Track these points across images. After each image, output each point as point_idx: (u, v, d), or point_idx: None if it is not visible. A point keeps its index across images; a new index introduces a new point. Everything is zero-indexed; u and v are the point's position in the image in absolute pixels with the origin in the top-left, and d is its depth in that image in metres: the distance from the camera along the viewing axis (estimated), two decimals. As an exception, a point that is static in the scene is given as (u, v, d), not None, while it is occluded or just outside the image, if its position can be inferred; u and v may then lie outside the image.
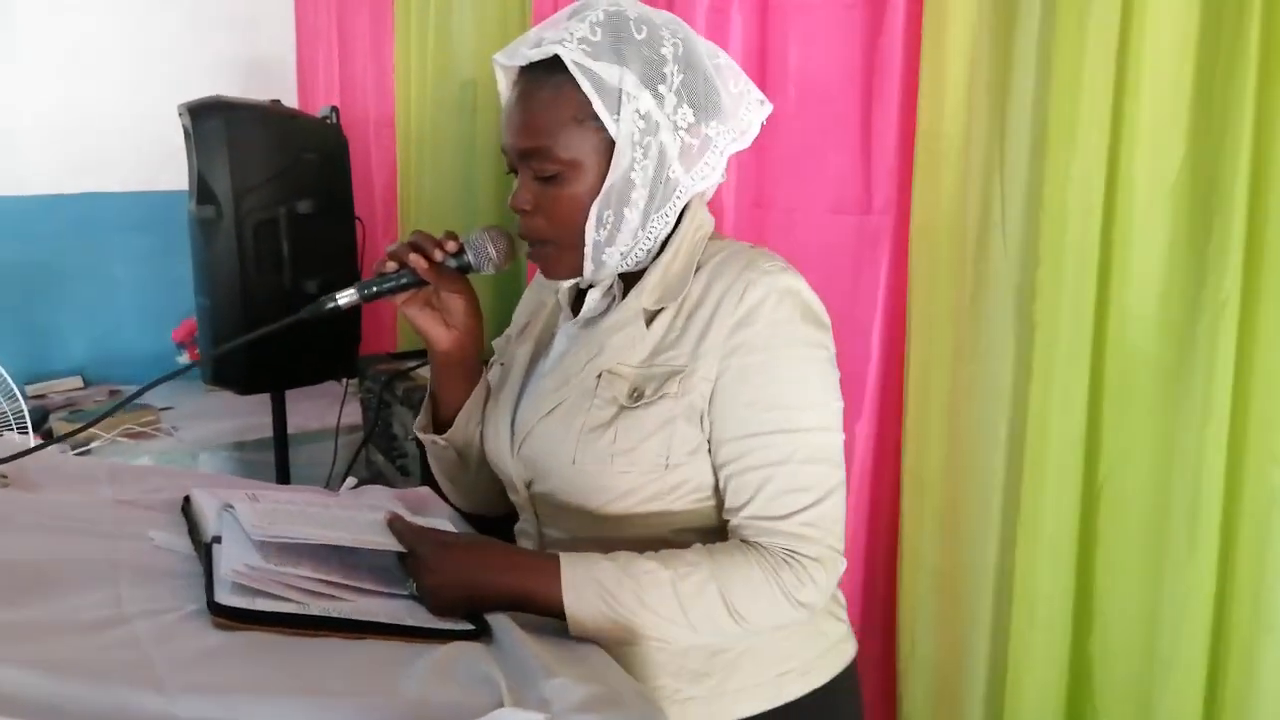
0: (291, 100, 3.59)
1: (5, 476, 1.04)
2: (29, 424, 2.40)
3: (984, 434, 1.36)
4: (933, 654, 1.47)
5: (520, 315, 1.25)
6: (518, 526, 1.19)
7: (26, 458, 1.09)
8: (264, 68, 3.63)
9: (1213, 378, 1.09)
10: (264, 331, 1.10)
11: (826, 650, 1.11)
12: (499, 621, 0.92)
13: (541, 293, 1.22)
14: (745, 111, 1.07)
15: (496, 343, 1.25)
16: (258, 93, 2.57)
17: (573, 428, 1.04)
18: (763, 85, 1.59)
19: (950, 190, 1.39)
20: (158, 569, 0.92)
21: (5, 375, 2.32)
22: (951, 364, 1.40)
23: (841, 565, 1.02)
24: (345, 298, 1.08)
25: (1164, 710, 1.17)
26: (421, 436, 1.22)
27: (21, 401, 2.35)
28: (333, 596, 0.89)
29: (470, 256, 1.11)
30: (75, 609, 0.81)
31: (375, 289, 1.09)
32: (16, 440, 1.12)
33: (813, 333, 1.03)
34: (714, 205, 1.61)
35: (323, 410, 2.80)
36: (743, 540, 1.01)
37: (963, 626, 1.41)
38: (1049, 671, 1.28)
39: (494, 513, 1.26)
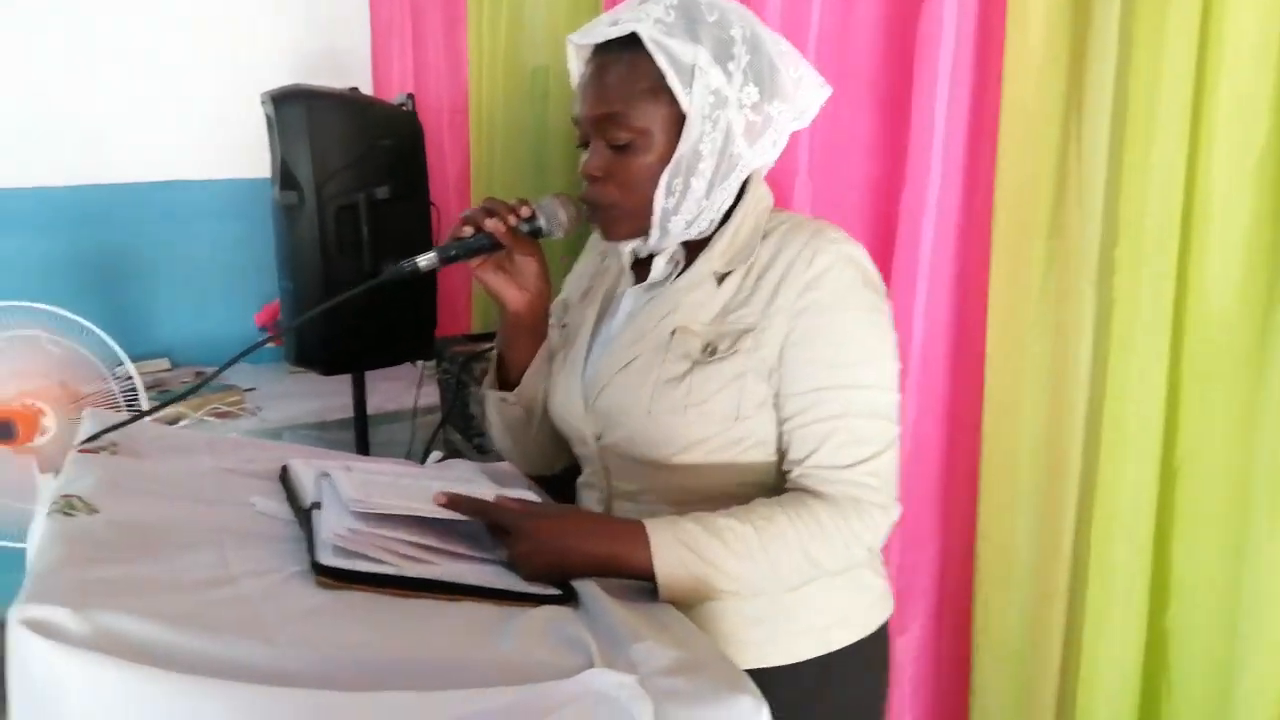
0: (367, 89, 3.65)
1: (115, 444, 1.09)
2: (142, 399, 2.49)
3: (1062, 411, 1.36)
4: (1007, 630, 1.47)
5: (577, 281, 1.33)
6: (581, 479, 1.26)
7: (131, 428, 1.15)
8: (340, 57, 3.69)
9: None
10: (347, 295, 1.16)
11: (871, 604, 1.20)
12: (585, 587, 0.94)
13: (601, 260, 1.29)
14: (805, 93, 1.14)
15: (553, 307, 1.31)
16: (334, 82, 2.62)
17: (648, 380, 1.11)
18: (836, 63, 1.59)
19: (1027, 166, 1.37)
20: (259, 533, 0.96)
21: (120, 352, 2.42)
22: (1031, 341, 1.39)
23: (897, 513, 1.09)
24: (425, 260, 1.14)
25: (1244, 687, 1.16)
26: (490, 394, 1.30)
27: (135, 378, 2.44)
28: (428, 561, 0.92)
29: (541, 221, 1.17)
30: (186, 567, 0.85)
31: (453, 252, 1.15)
32: (113, 413, 1.18)
33: (873, 298, 1.11)
34: (783, 179, 1.63)
35: (400, 392, 2.86)
36: (805, 489, 1.07)
37: (1037, 603, 1.41)
38: (1125, 647, 1.28)
39: (549, 471, 1.34)
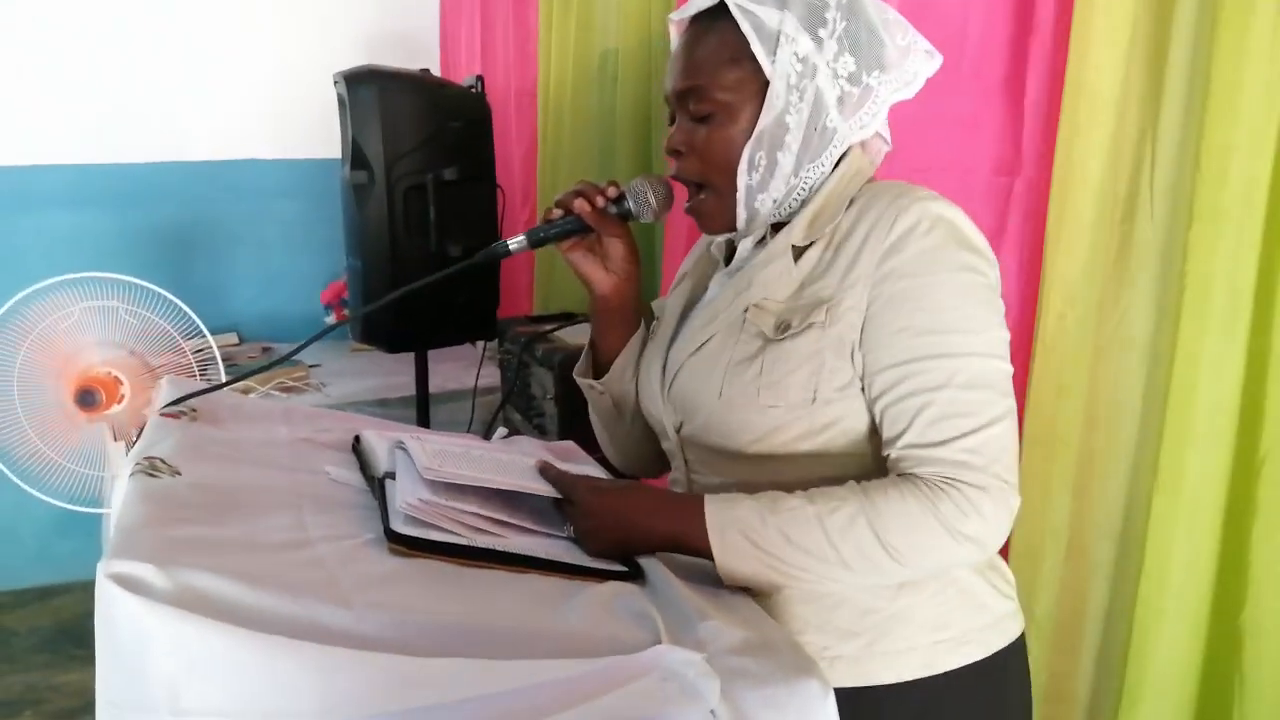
0: (435, 70, 3.69)
1: (195, 410, 1.12)
2: (220, 369, 2.56)
3: (1120, 394, 1.34)
4: (1052, 612, 1.45)
5: (681, 272, 1.27)
6: (670, 477, 1.20)
7: (209, 396, 1.17)
8: (409, 38, 3.74)
9: None
10: (441, 275, 1.18)
11: (988, 625, 1.05)
12: (652, 565, 0.94)
13: (699, 249, 1.25)
14: (912, 63, 1.06)
15: (654, 303, 1.27)
16: (405, 63, 2.65)
17: (720, 361, 1.05)
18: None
19: (1097, 149, 1.35)
20: (335, 499, 0.98)
21: (200, 324, 2.48)
22: (1093, 324, 1.37)
23: (1014, 499, 0.95)
24: (515, 244, 1.14)
25: None
26: (580, 381, 1.27)
27: (214, 349, 2.51)
28: (497, 534, 0.93)
29: (630, 203, 1.15)
30: (264, 530, 0.87)
31: (543, 234, 1.15)
32: (192, 381, 1.20)
33: (968, 257, 0.98)
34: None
35: (461, 371, 2.89)
36: (900, 474, 0.96)
37: (1085, 587, 1.40)
38: (1180, 640, 1.25)
39: (648, 474, 1.29)
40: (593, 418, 1.30)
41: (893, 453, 0.98)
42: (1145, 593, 1.27)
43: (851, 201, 1.04)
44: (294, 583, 0.77)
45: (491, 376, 2.71)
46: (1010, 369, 0.98)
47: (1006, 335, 1.00)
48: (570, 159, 2.87)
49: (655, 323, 1.24)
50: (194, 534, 0.81)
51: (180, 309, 2.48)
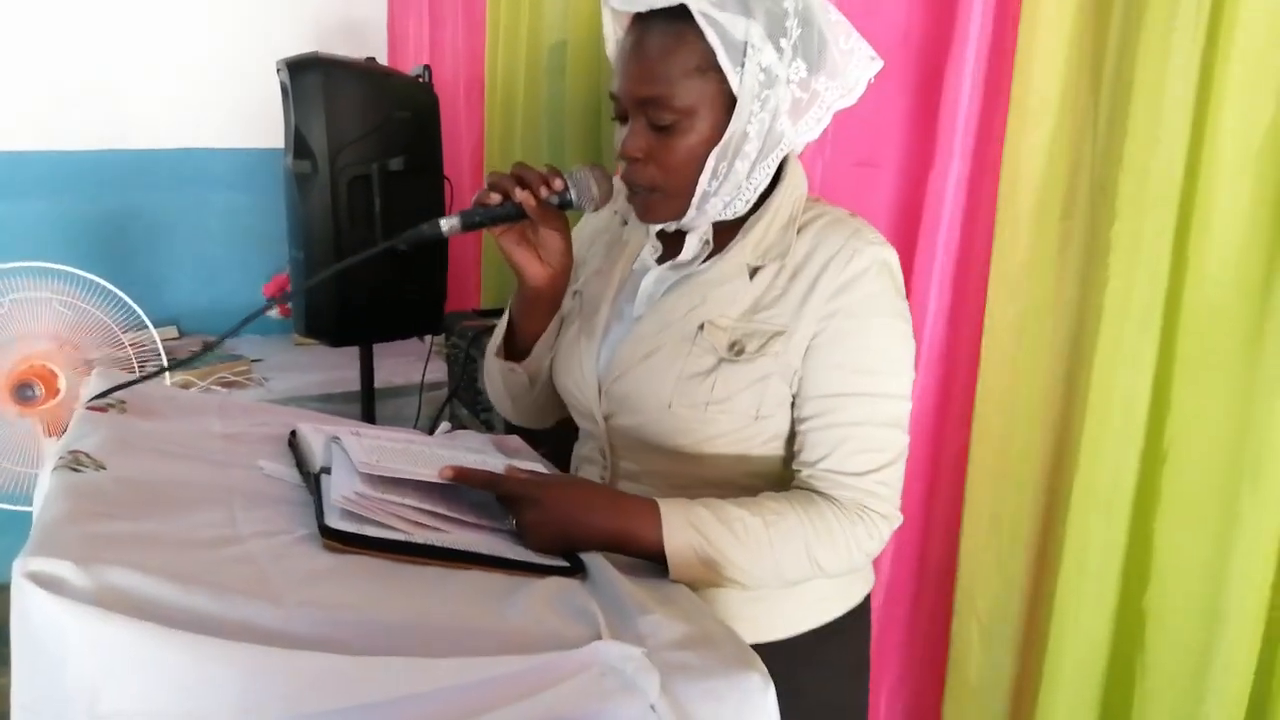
0: (383, 60, 3.63)
1: (124, 403, 1.08)
2: (162, 360, 2.49)
3: (1049, 384, 1.37)
4: (987, 599, 1.49)
5: (589, 242, 1.27)
6: (582, 453, 1.23)
7: (141, 387, 1.14)
8: (357, 27, 3.68)
9: None
10: (363, 256, 1.12)
11: (857, 578, 1.21)
12: (593, 560, 0.93)
13: (622, 225, 1.24)
14: (855, 68, 1.07)
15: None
16: (351, 52, 2.60)
17: (670, 373, 1.08)
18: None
19: (1042, 147, 1.37)
20: (268, 495, 0.96)
21: (140, 311, 2.42)
22: (1035, 320, 1.40)
23: (899, 522, 1.09)
24: (447, 224, 1.08)
25: (1217, 666, 1.17)
26: (499, 363, 1.26)
27: (157, 341, 2.44)
28: (436, 528, 0.92)
29: (572, 194, 1.11)
30: (194, 526, 0.84)
31: (477, 218, 1.10)
32: (124, 373, 1.16)
33: (902, 305, 1.09)
34: (806, 162, 1.62)
35: (407, 366, 2.86)
36: (814, 490, 1.06)
37: (1020, 573, 1.43)
38: (1097, 622, 1.30)
39: (540, 426, 1.34)
40: (494, 387, 1.30)
41: (809, 471, 1.07)
42: (1065, 580, 1.32)
43: (801, 228, 1.09)
44: (222, 580, 0.75)
45: (439, 371, 2.68)
46: (910, 406, 1.10)
47: (913, 376, 1.12)
48: (519, 151, 2.85)
49: (575, 298, 1.22)
50: (117, 530, 0.79)
51: (121, 300, 2.42)
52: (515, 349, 1.25)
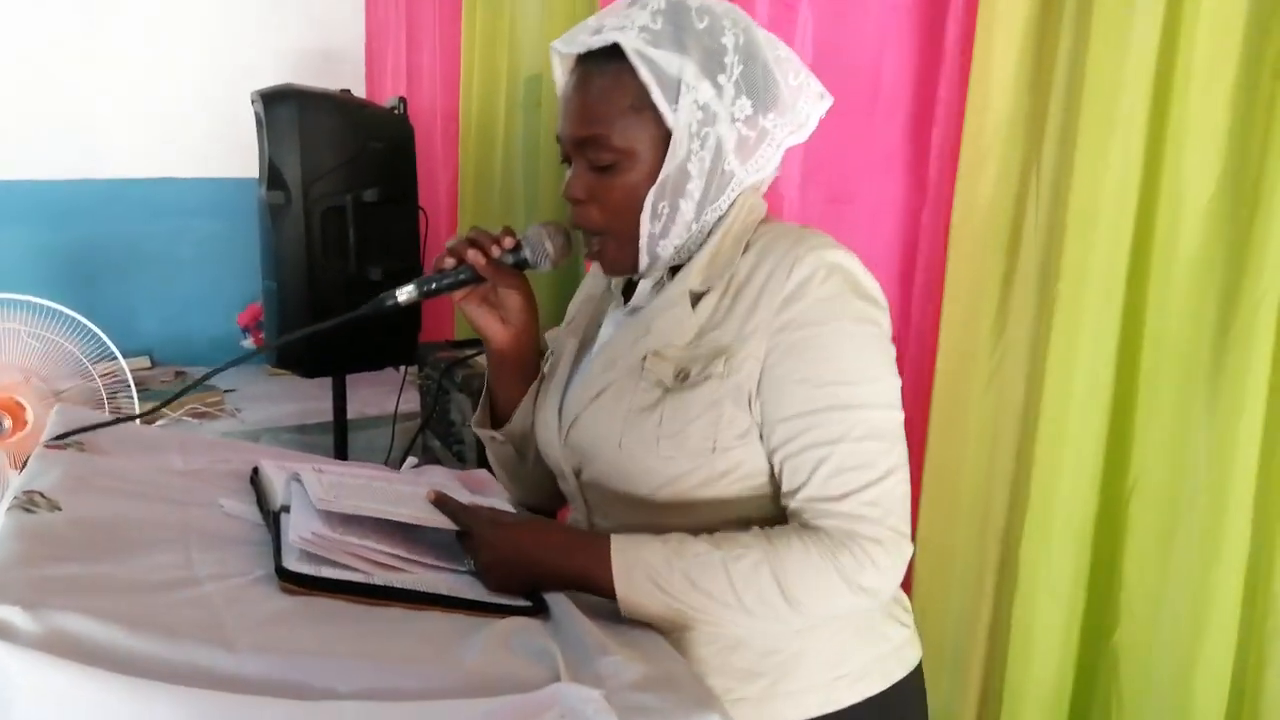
0: (360, 91, 3.65)
1: (82, 442, 1.07)
2: (134, 395, 2.47)
3: (1002, 422, 1.38)
4: (942, 634, 1.48)
5: (574, 308, 1.25)
6: (570, 518, 1.18)
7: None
8: (334, 59, 3.69)
9: (1247, 375, 1.08)
10: (325, 326, 1.13)
11: (887, 655, 1.06)
12: (556, 600, 0.93)
13: (593, 285, 1.22)
14: (804, 104, 1.05)
15: (549, 335, 1.24)
16: (327, 83, 2.62)
17: (619, 409, 1.03)
18: (827, 81, 1.59)
19: (991, 184, 1.38)
20: (227, 535, 0.95)
21: (115, 349, 2.39)
22: (982, 357, 1.41)
23: (907, 549, 0.97)
24: (404, 294, 1.08)
25: (1196, 706, 1.16)
26: (479, 433, 1.23)
27: (127, 374, 2.42)
28: (395, 568, 0.91)
29: (527, 252, 1.10)
30: (148, 569, 0.83)
31: (434, 285, 1.09)
32: (83, 410, 1.15)
33: (863, 307, 0.99)
34: (777, 197, 1.63)
35: (382, 396, 2.85)
36: (802, 524, 0.97)
37: (973, 609, 1.43)
38: (1051, 660, 1.30)
39: (553, 507, 1.26)
40: (492, 463, 1.26)
41: (792, 503, 0.98)
42: (1019, 614, 1.31)
43: (748, 246, 1.03)
44: (174, 624, 0.74)
45: (412, 402, 2.67)
46: (902, 415, 1.00)
47: (898, 382, 1.01)
48: (494, 182, 2.86)
49: (549, 358, 1.20)
50: (69, 573, 0.78)
51: (90, 331, 2.39)
52: (496, 419, 1.22)
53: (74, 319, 2.41)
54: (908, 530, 0.97)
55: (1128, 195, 1.19)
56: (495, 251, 1.09)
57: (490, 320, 1.14)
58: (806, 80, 1.05)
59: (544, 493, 1.24)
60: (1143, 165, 1.18)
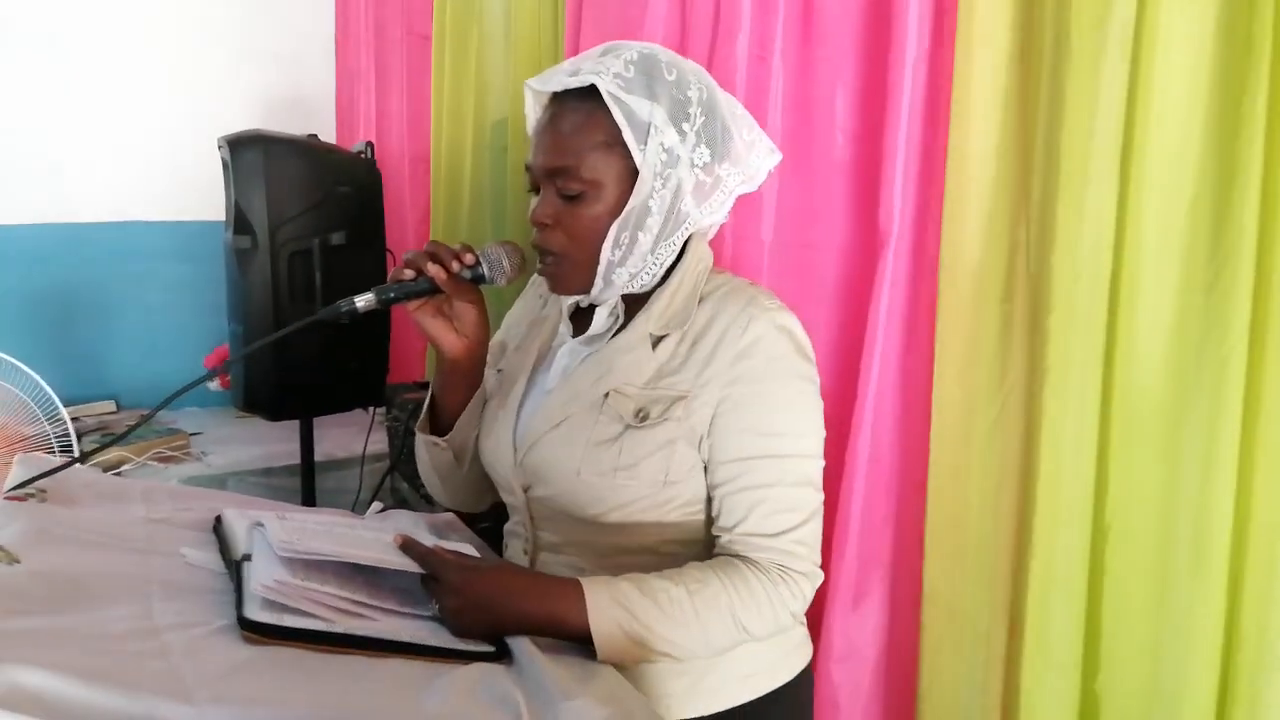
0: (330, 136, 3.66)
1: (44, 491, 1.07)
2: (74, 445, 2.44)
3: (1004, 474, 1.37)
4: (952, 692, 1.46)
5: (516, 324, 1.33)
6: (508, 526, 1.26)
7: (64, 473, 1.12)
8: (304, 103, 3.70)
9: (1218, 422, 1.10)
10: (284, 332, 1.17)
11: (790, 651, 1.21)
12: (518, 644, 0.94)
13: (542, 307, 1.30)
14: (755, 158, 1.16)
15: (491, 348, 1.29)
16: (297, 128, 2.62)
17: (579, 441, 1.11)
18: (795, 130, 1.62)
19: (978, 232, 1.39)
20: (189, 585, 0.95)
21: (54, 397, 2.37)
22: (982, 406, 1.40)
23: (820, 579, 1.11)
24: (363, 301, 1.13)
25: None
26: (424, 438, 1.29)
27: (68, 423, 2.39)
28: (358, 615, 0.91)
29: (484, 268, 1.16)
30: (107, 620, 0.83)
31: (393, 294, 1.14)
32: (46, 458, 1.15)
33: (805, 367, 1.12)
34: (748, 239, 1.64)
35: (350, 438, 2.83)
36: (734, 555, 1.08)
37: (983, 667, 1.40)
38: (1060, 710, 1.28)
39: (476, 510, 1.34)
40: (423, 465, 1.32)
41: (727, 536, 1.09)
42: (1029, 666, 1.29)
43: (703, 298, 1.14)
44: (134, 677, 0.74)
45: (380, 443, 2.66)
46: (823, 464, 1.13)
47: (824, 434, 1.14)
48: (464, 223, 2.87)
49: (497, 376, 1.27)
50: (27, 626, 0.78)
51: (37, 382, 2.36)
52: (439, 424, 1.28)
53: (13, 366, 2.37)
54: (820, 562, 1.12)
55: (1102, 249, 1.20)
56: (455, 266, 1.15)
57: (444, 330, 1.20)
58: (759, 137, 1.16)
59: (471, 499, 1.34)
60: (1115, 214, 1.19)
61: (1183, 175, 1.16)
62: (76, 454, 2.35)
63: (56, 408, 2.39)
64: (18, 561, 0.88)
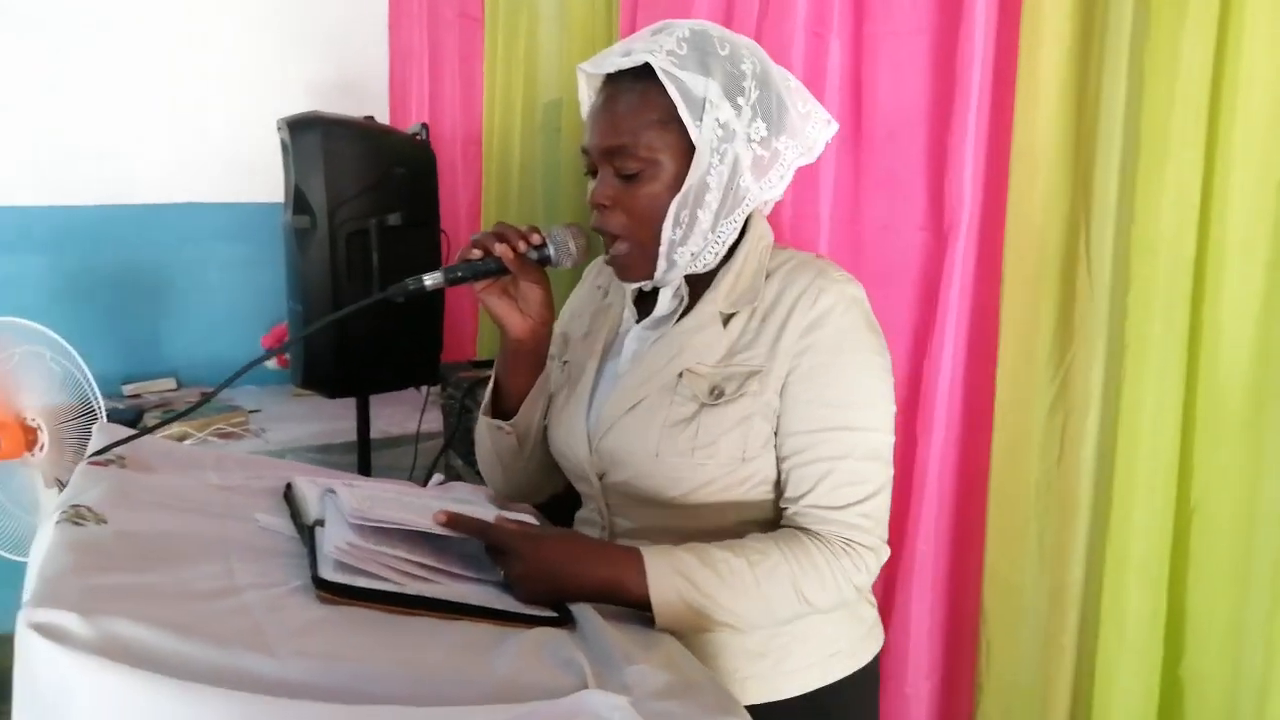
0: (383, 118, 3.70)
1: (123, 458, 1.11)
2: (103, 414, 2.48)
3: (1071, 454, 1.35)
4: (1014, 675, 1.46)
5: (576, 316, 1.32)
6: (581, 514, 1.26)
7: (139, 443, 1.16)
8: (358, 86, 3.75)
9: None
10: (352, 310, 1.17)
11: (865, 635, 1.22)
12: (581, 610, 0.96)
13: (603, 297, 1.29)
14: (812, 129, 1.15)
15: (553, 339, 1.29)
16: (351, 110, 2.66)
17: (655, 422, 1.11)
18: (857, 108, 1.62)
19: (1040, 210, 1.38)
20: (264, 547, 0.98)
21: (88, 374, 2.40)
22: (1044, 384, 1.39)
23: (887, 554, 1.11)
24: (431, 279, 1.13)
25: None
26: (487, 421, 1.28)
27: (98, 403, 2.44)
28: (427, 579, 0.94)
29: (551, 250, 1.17)
30: (192, 579, 0.87)
31: (460, 274, 1.14)
32: (122, 428, 1.19)
33: (875, 340, 1.13)
34: (806, 218, 1.65)
35: (404, 416, 2.88)
36: (799, 528, 1.08)
37: (1046, 648, 1.40)
38: (1137, 695, 1.26)
39: (532, 500, 1.33)
40: (483, 452, 1.32)
41: (794, 508, 1.10)
42: (1105, 652, 1.28)
43: (769, 274, 1.14)
44: (219, 631, 0.77)
45: (435, 421, 2.70)
46: (893, 439, 1.12)
47: (894, 409, 1.13)
48: (515, 205, 2.90)
49: (563, 367, 1.27)
50: (118, 582, 0.81)
51: (80, 362, 2.40)
52: (502, 408, 1.28)
53: (67, 349, 2.42)
54: (887, 538, 1.11)
55: (1186, 227, 1.17)
56: (522, 246, 1.16)
57: (510, 311, 1.20)
58: (814, 108, 1.15)
59: (532, 486, 1.32)
60: (1200, 192, 1.17)
61: (1273, 149, 1.12)
62: (147, 427, 2.39)
63: (122, 383, 2.43)
64: (105, 522, 0.92)
